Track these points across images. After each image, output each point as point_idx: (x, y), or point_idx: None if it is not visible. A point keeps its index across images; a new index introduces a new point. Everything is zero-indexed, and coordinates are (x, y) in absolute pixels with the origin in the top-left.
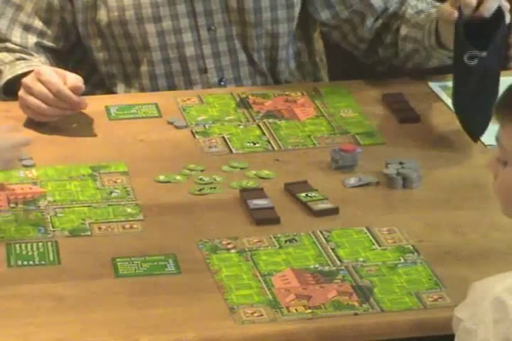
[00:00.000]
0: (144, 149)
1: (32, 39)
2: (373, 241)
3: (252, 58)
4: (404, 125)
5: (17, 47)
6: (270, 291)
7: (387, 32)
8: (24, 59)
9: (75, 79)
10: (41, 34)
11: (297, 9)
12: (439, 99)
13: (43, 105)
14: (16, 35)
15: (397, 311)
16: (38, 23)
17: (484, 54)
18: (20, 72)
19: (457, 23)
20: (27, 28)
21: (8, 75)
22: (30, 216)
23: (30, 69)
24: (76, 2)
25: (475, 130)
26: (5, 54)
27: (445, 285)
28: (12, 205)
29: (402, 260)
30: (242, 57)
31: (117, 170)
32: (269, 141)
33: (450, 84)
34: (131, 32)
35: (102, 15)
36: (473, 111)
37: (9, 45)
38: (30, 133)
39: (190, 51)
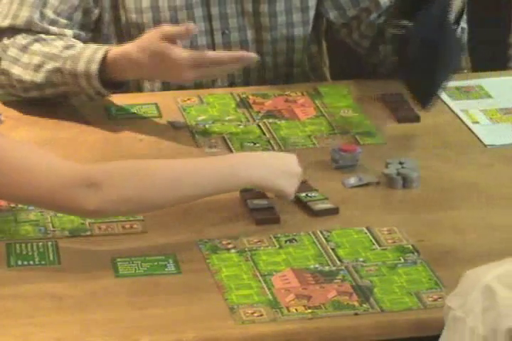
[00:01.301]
0: (144, 149)
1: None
2: (373, 241)
3: (265, 63)
4: (404, 125)
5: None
6: (270, 291)
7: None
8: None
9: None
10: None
11: (312, 12)
12: (438, 98)
13: None
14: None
15: (397, 311)
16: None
17: (410, 24)
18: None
19: None
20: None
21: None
22: (30, 216)
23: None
24: (104, 2)
25: (421, 98)
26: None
27: (445, 285)
28: (12, 205)
29: (402, 260)
30: (253, 63)
31: None
32: (269, 141)
33: (450, 84)
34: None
35: (121, 16)
36: (416, 80)
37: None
38: (30, 133)
39: None
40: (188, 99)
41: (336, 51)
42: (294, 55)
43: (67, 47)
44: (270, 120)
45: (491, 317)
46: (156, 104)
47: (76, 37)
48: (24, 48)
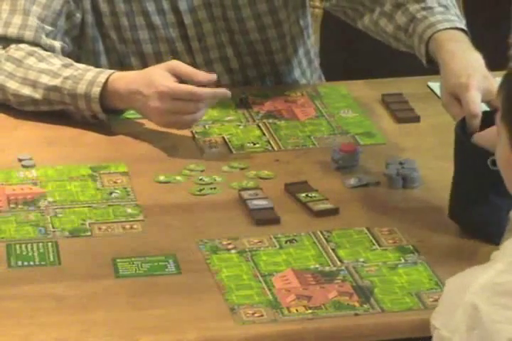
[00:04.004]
0: (144, 149)
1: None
2: (373, 241)
3: (246, 63)
4: (404, 125)
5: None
6: (271, 291)
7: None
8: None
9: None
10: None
11: (283, 12)
12: (439, 99)
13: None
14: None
15: (397, 311)
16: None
17: None
18: (103, 80)
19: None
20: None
21: (95, 87)
22: (30, 216)
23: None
24: (85, 3)
25: (493, 233)
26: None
27: None
28: (12, 205)
29: (403, 260)
30: (234, 64)
31: (117, 171)
32: (269, 141)
33: None
34: (125, 37)
35: (103, 18)
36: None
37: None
38: (31, 133)
39: (184, 60)
40: None
41: (334, 48)
42: (274, 55)
43: (66, 66)
44: (270, 120)
45: (477, 334)
46: None
47: (62, 49)
48: (19, 62)
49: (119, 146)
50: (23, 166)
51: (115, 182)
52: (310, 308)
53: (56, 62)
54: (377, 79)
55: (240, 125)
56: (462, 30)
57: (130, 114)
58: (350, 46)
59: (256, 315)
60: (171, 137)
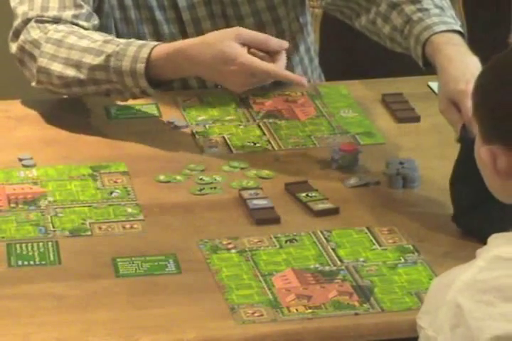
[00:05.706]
0: (144, 149)
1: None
2: (373, 241)
3: None
4: (404, 125)
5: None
6: (271, 291)
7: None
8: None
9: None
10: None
11: (282, 9)
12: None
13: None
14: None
15: (397, 311)
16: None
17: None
18: (146, 55)
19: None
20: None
21: (139, 63)
22: (31, 216)
23: (149, 50)
24: None
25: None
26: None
27: None
28: (12, 205)
29: (403, 260)
30: None
31: (117, 170)
32: (269, 141)
33: None
34: (131, 31)
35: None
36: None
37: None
38: (31, 133)
39: None
40: (188, 99)
41: (334, 49)
42: None
43: (107, 41)
44: (270, 120)
45: (461, 332)
46: (156, 104)
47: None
48: (60, 42)
49: (119, 146)
50: (24, 166)
51: (115, 182)
52: (310, 308)
53: (97, 37)
54: (378, 79)
55: (240, 125)
56: (459, 32)
57: (130, 114)
58: (349, 46)
59: (256, 314)
60: (171, 137)
